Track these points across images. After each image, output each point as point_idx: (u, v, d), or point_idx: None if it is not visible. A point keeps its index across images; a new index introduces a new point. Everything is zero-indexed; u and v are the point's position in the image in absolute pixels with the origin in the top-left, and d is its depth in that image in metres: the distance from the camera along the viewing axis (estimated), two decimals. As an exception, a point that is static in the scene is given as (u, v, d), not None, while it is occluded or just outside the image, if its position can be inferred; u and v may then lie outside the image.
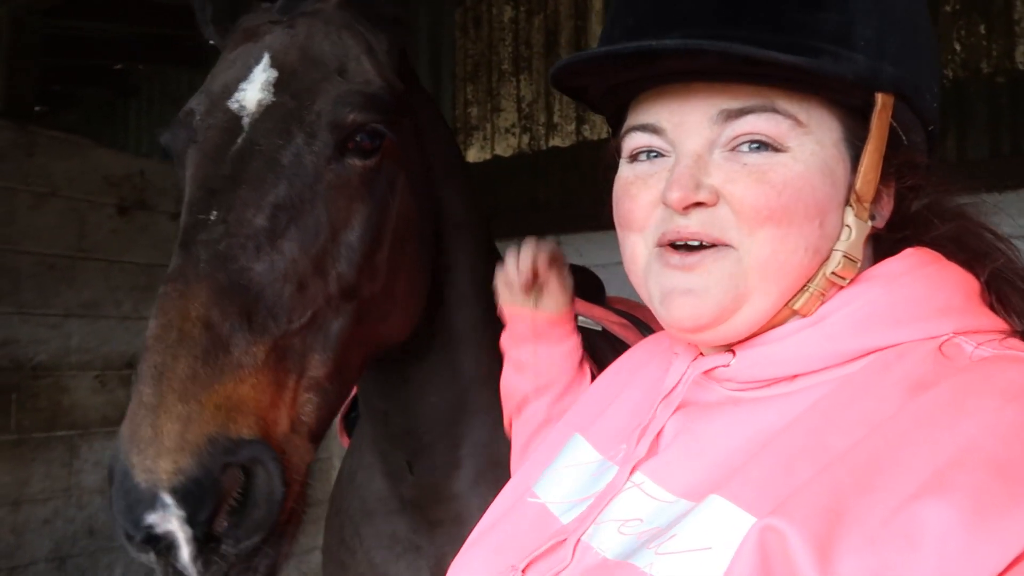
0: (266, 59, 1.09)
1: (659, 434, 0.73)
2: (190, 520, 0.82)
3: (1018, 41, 2.60)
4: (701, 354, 0.75)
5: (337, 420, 1.81)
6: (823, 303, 0.68)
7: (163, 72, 6.40)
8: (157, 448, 0.83)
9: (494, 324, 1.23)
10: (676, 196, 0.66)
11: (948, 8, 2.66)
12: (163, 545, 0.83)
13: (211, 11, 1.23)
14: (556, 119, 3.43)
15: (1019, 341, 0.63)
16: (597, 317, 1.61)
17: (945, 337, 0.63)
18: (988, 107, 2.63)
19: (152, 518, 0.82)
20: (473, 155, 3.53)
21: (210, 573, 0.85)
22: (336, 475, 1.78)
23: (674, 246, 0.69)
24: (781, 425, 0.65)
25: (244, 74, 1.08)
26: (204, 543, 0.84)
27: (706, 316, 0.67)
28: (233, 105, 1.06)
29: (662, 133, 0.70)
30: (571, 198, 3.27)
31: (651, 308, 0.73)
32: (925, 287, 0.66)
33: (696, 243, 0.67)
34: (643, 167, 0.72)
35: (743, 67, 0.64)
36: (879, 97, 0.66)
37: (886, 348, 0.64)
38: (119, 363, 3.66)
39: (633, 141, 0.73)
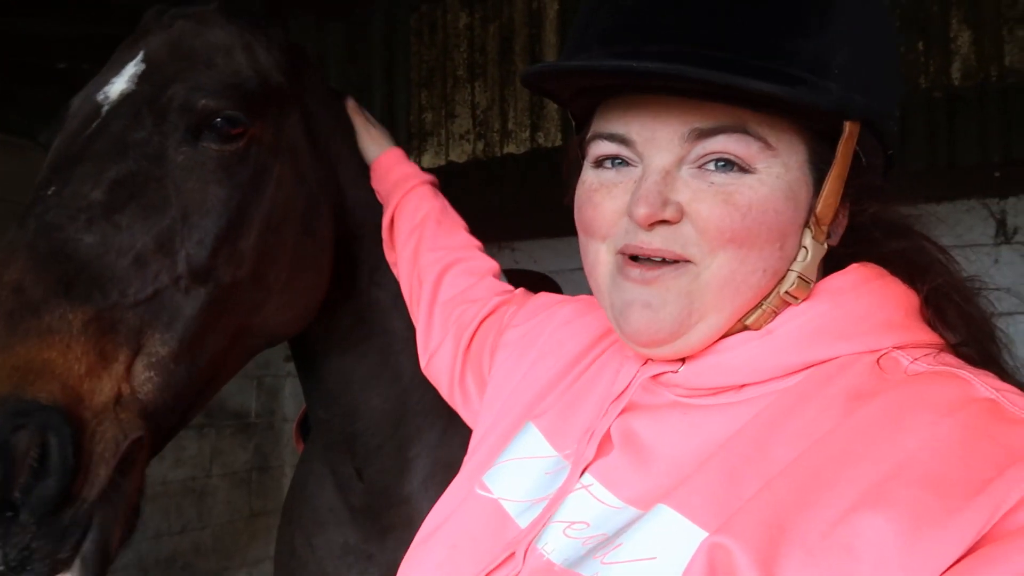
0: (139, 56, 1.12)
1: (607, 435, 0.74)
2: None
3: (954, 58, 2.71)
4: (651, 359, 0.76)
5: (293, 427, 1.80)
6: (774, 319, 0.70)
7: (108, 71, 6.21)
8: None
9: None
10: (643, 213, 0.66)
11: (888, 25, 2.76)
12: None
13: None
14: (511, 126, 3.44)
15: (951, 356, 0.66)
16: None
17: (884, 351, 0.65)
18: (926, 121, 2.73)
19: None
20: (427, 161, 3.52)
21: (9, 544, 0.81)
22: (289, 484, 1.77)
23: (634, 258, 0.70)
24: (726, 435, 0.66)
25: (118, 70, 1.11)
26: (0, 511, 0.80)
27: (664, 331, 0.68)
28: (99, 96, 1.08)
29: (631, 145, 0.70)
30: (526, 205, 3.28)
31: (609, 318, 0.74)
32: (868, 302, 0.69)
33: (658, 260, 0.68)
34: (608, 175, 0.72)
35: (719, 89, 0.64)
36: (847, 125, 0.68)
37: (829, 360, 0.66)
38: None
39: (599, 148, 0.73)
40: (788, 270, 0.69)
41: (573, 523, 0.69)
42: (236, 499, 4.22)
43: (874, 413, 0.60)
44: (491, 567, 0.71)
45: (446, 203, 1.34)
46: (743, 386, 0.69)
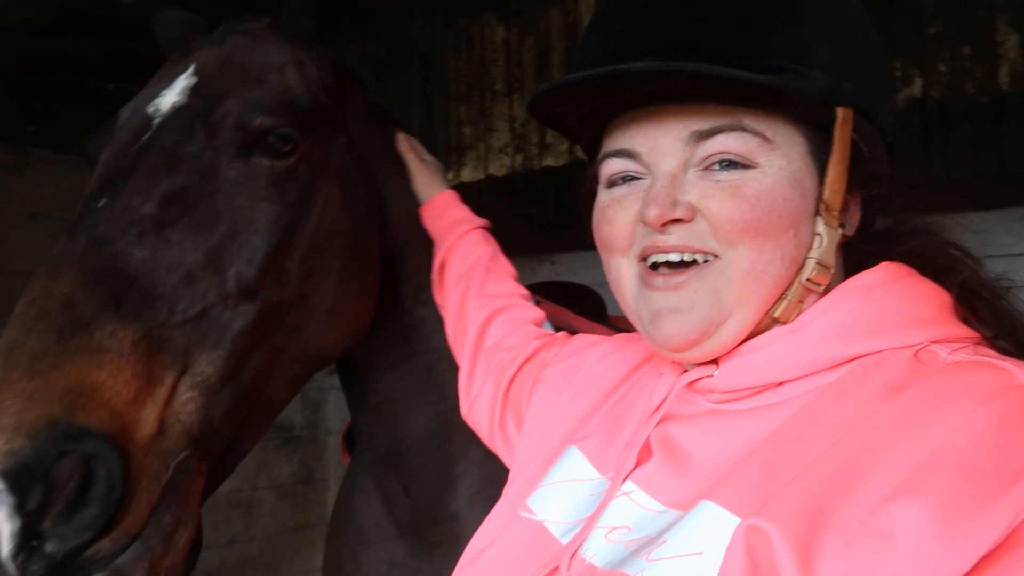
0: (190, 69, 1.12)
1: (646, 445, 0.75)
2: (17, 508, 0.75)
3: (1001, 63, 2.65)
4: (685, 371, 0.78)
5: (339, 440, 1.81)
6: (801, 311, 0.72)
7: (154, 91, 6.38)
8: None
9: None
10: (654, 213, 0.69)
11: (933, 31, 2.71)
12: None
13: (178, 35, 1.27)
14: (549, 139, 3.45)
15: (989, 348, 0.67)
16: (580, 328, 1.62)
17: (921, 345, 0.66)
18: (973, 127, 2.67)
19: None
20: (467, 175, 3.55)
21: (27, 573, 0.76)
22: (334, 497, 1.78)
23: (655, 267, 0.72)
24: (765, 434, 0.67)
25: (168, 83, 1.11)
26: (27, 538, 0.76)
27: (694, 332, 0.70)
28: (150, 109, 1.08)
29: (637, 157, 0.73)
30: (565, 217, 3.28)
31: (639, 328, 0.77)
32: (899, 299, 0.70)
33: (677, 259, 0.71)
34: (620, 190, 0.76)
35: (711, 88, 0.68)
36: (840, 112, 0.71)
37: (864, 356, 0.67)
38: (112, 384, 3.64)
39: (610, 167, 0.76)
40: (806, 258, 0.71)
41: (615, 528, 0.70)
42: (282, 512, 4.28)
43: (910, 401, 0.60)
44: None
45: (497, 249, 1.36)
46: (779, 385, 0.70)
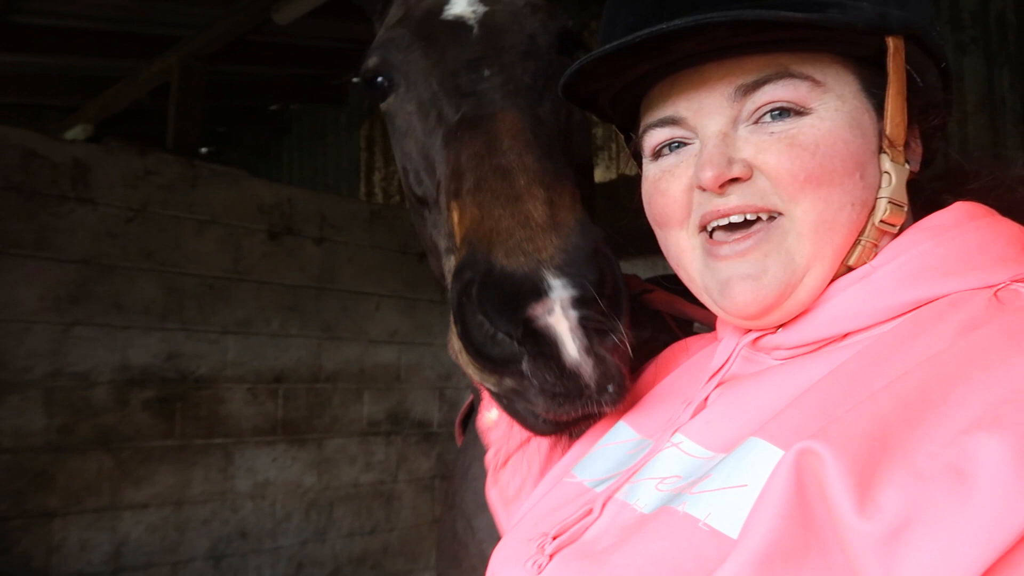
0: None
1: (704, 402, 0.73)
2: (580, 301, 0.73)
3: None
4: (748, 331, 0.75)
5: (456, 422, 1.87)
6: (876, 253, 0.68)
7: (311, 111, 6.87)
8: (530, 232, 0.77)
9: None
10: (710, 175, 0.66)
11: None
12: (543, 342, 0.74)
13: None
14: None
15: None
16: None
17: (1001, 284, 0.61)
18: None
19: (536, 308, 0.73)
20: (599, 175, 3.57)
21: (597, 368, 0.74)
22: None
23: (717, 234, 0.69)
24: (824, 374, 0.63)
25: (443, 4, 1.15)
26: (590, 330, 0.74)
27: (770, 297, 0.67)
28: (447, 16, 1.13)
29: (682, 122, 0.70)
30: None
31: (706, 302, 0.73)
32: (977, 238, 0.65)
33: (739, 219, 0.67)
34: (668, 161, 0.72)
35: (753, 36, 0.65)
36: (891, 41, 0.67)
37: (937, 299, 0.63)
38: (268, 377, 3.94)
39: (653, 138, 0.73)
40: (876, 199, 0.67)
41: (665, 478, 0.67)
42: (420, 505, 4.45)
43: (989, 336, 0.56)
44: (567, 522, 0.70)
45: None
46: (845, 335, 0.66)
